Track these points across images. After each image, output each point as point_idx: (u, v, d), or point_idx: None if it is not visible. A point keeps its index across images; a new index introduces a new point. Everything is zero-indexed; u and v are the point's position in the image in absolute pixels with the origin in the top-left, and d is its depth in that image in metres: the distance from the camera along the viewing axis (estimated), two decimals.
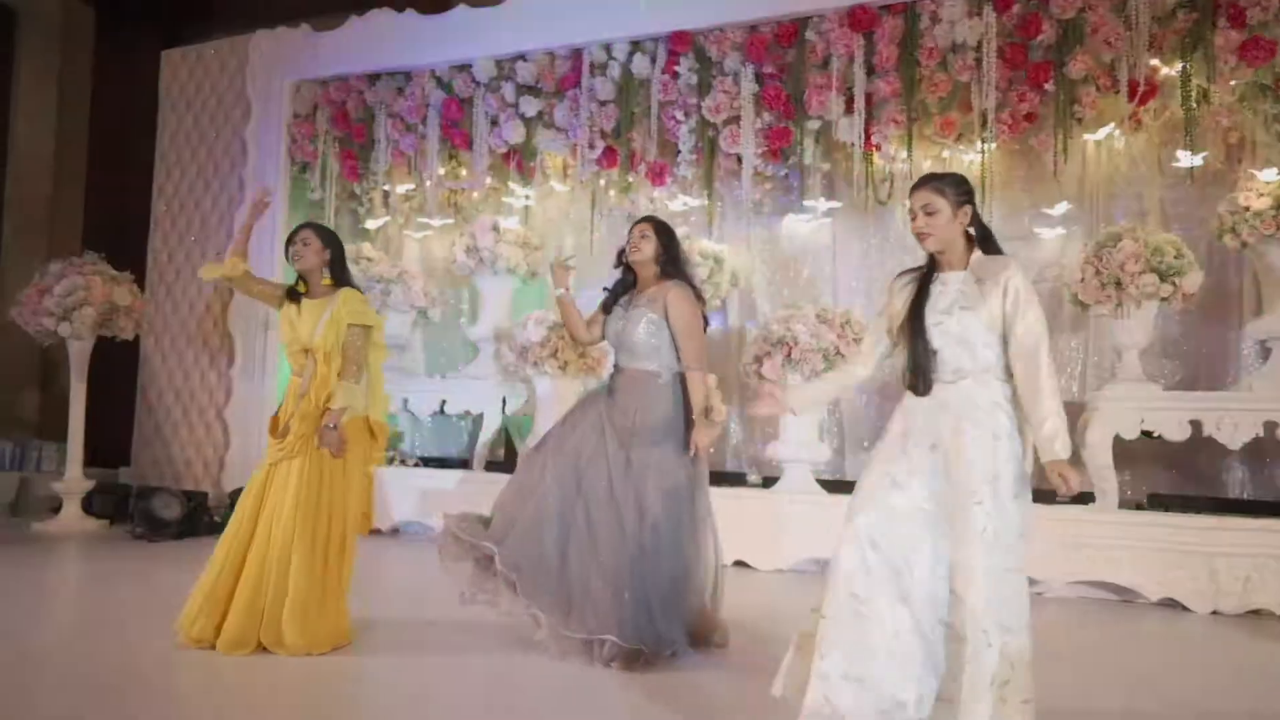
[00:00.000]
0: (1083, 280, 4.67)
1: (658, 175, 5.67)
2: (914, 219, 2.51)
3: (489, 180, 6.21)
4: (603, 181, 6.05)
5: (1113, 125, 4.89)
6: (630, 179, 5.83)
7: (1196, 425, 4.46)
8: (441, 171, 6.30)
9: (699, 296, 3.41)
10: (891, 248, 5.82)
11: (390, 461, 6.14)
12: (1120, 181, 5.26)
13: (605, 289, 3.51)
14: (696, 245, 5.71)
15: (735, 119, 5.38)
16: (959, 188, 2.50)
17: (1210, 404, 4.49)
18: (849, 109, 5.13)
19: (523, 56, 5.89)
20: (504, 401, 6.10)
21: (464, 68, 6.06)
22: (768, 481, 5.64)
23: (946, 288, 2.46)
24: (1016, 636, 2.26)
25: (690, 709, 2.78)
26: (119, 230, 8.60)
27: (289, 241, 3.36)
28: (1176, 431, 4.50)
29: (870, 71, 5.08)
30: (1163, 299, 4.57)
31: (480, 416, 6.16)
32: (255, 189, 3.23)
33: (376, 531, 5.58)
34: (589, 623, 3.05)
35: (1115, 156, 5.19)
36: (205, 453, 6.65)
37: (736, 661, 3.26)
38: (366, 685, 3.02)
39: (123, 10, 9.26)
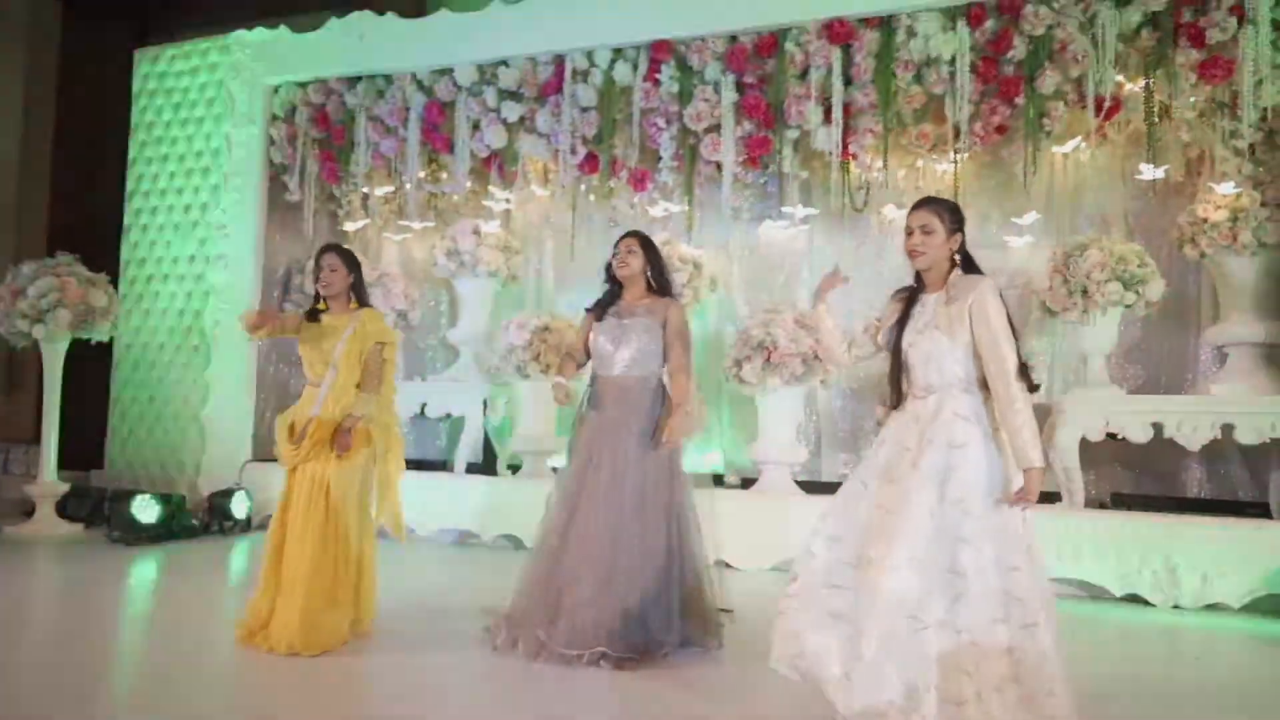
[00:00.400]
0: (1051, 288, 4.85)
1: (639, 181, 5.76)
2: (909, 235, 2.63)
3: (469, 184, 6.25)
4: (583, 187, 6.12)
5: (1079, 138, 5.08)
6: (611, 184, 5.91)
7: (1158, 427, 4.65)
8: (422, 174, 6.32)
9: None
10: (867, 254, 5.97)
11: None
12: (1086, 192, 5.45)
13: (587, 309, 3.66)
14: (676, 250, 5.80)
15: (716, 127, 5.48)
16: (955, 214, 2.64)
17: (1171, 407, 4.68)
18: (827, 119, 5.25)
19: (505, 62, 5.94)
20: (485, 404, 6.14)
21: (445, 72, 6.09)
22: (746, 483, 5.76)
23: (925, 309, 2.62)
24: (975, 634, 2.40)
25: (680, 703, 2.90)
26: (87, 231, 8.48)
27: (316, 266, 3.56)
28: (1140, 433, 4.69)
29: (848, 83, 5.21)
30: (1127, 306, 4.77)
31: (461, 419, 6.19)
32: None
33: None
34: (581, 637, 3.15)
35: (1081, 168, 5.38)
36: (181, 455, 6.60)
37: (722, 657, 3.38)
38: (364, 680, 3.09)
39: (90, 7, 9.13)
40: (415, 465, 6.44)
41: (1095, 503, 5.03)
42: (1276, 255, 4.69)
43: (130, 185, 7.02)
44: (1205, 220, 4.74)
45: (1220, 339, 4.91)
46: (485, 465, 6.28)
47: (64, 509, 6.10)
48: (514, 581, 3.48)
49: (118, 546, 5.46)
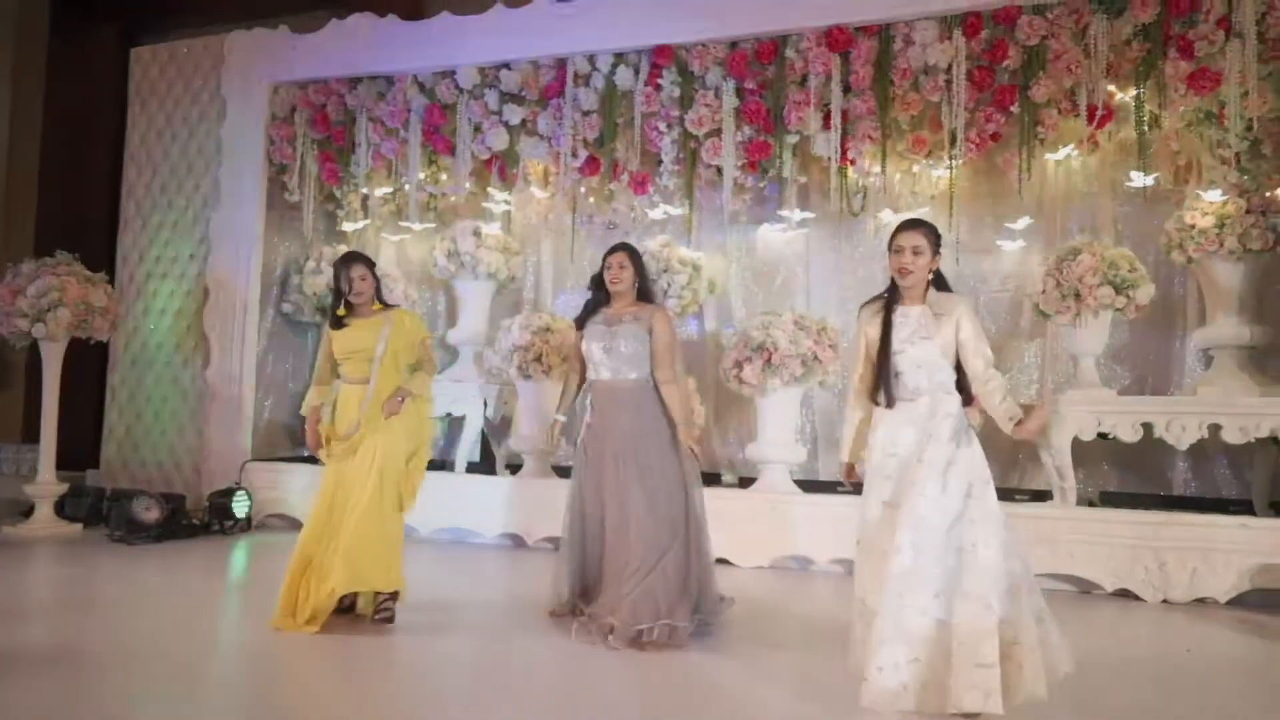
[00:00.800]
0: (1044, 291, 4.97)
1: (640, 185, 5.83)
2: (900, 254, 2.91)
3: (469, 185, 6.30)
4: (583, 189, 6.19)
5: (1072, 146, 5.20)
6: (611, 187, 5.98)
7: (1148, 427, 4.79)
8: (421, 175, 6.36)
9: None
10: (862, 257, 6.07)
11: None
12: (1077, 198, 5.59)
13: (575, 320, 3.93)
14: (675, 253, 5.88)
15: (717, 131, 5.56)
16: (938, 238, 2.98)
17: (1160, 408, 4.82)
18: (826, 125, 5.35)
19: (506, 65, 5.99)
20: (485, 404, 6.20)
21: (447, 74, 6.13)
22: (743, 482, 5.85)
23: (908, 319, 2.94)
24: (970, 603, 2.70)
25: (687, 686, 3.02)
26: (76, 228, 8.44)
27: (345, 275, 3.81)
28: (1130, 433, 4.82)
29: (847, 89, 5.31)
30: (1117, 309, 4.89)
31: (461, 419, 6.24)
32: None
33: None
34: (632, 618, 3.43)
35: (1073, 175, 5.51)
36: (179, 455, 6.60)
37: (728, 646, 3.53)
38: (385, 665, 3.16)
39: (80, 4, 9.07)
40: None
41: (1084, 501, 5.16)
42: (1261, 261, 4.83)
43: (127, 184, 6.99)
44: (1193, 226, 4.87)
45: (1206, 342, 5.05)
46: (483, 465, 6.34)
47: (61, 509, 6.09)
48: (555, 575, 3.84)
49: (119, 546, 5.47)
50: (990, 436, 5.07)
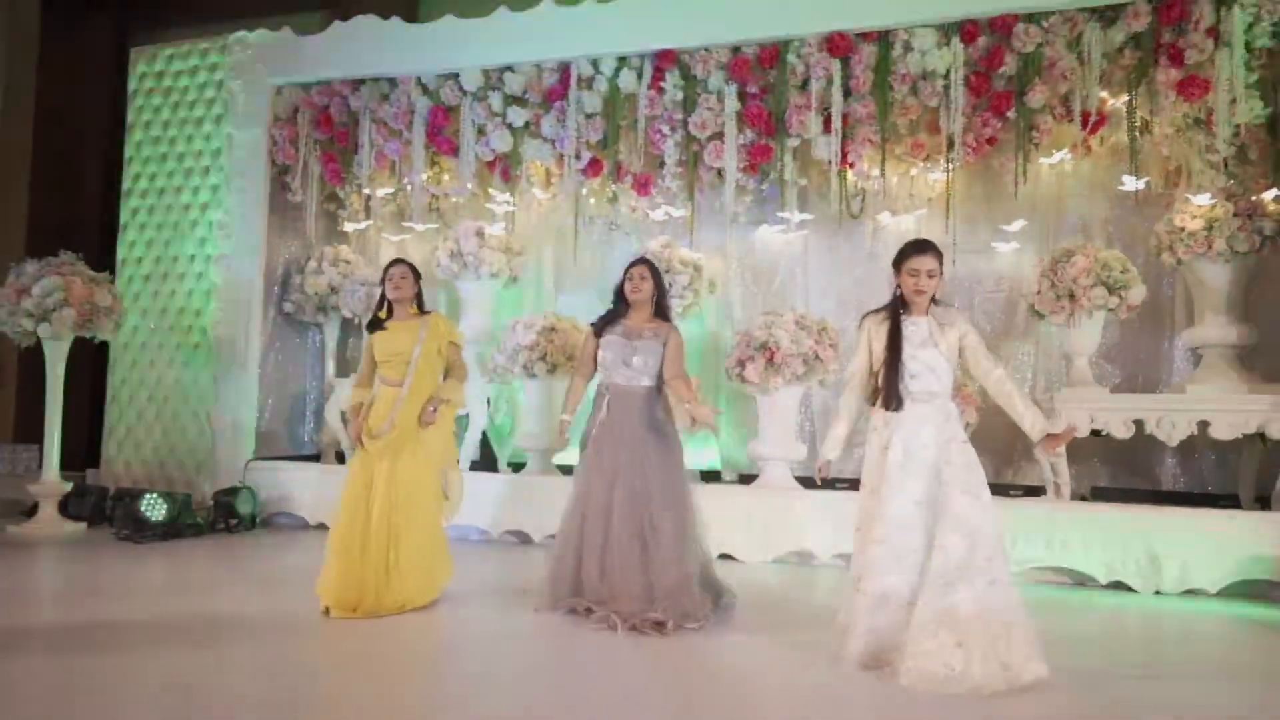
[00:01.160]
0: (1039, 292, 5.11)
1: (643, 186, 5.92)
2: (917, 277, 3.20)
3: (471, 186, 6.36)
4: (584, 190, 6.27)
5: (1066, 150, 5.34)
6: (614, 189, 6.06)
7: (1140, 424, 4.94)
8: (424, 177, 6.42)
9: None
10: (860, 258, 6.18)
11: None
12: (1070, 201, 5.73)
13: (592, 325, 4.12)
14: (677, 254, 5.98)
15: (719, 135, 5.66)
16: (942, 259, 3.28)
17: (1151, 405, 4.97)
18: (827, 128, 5.47)
19: (510, 68, 6.06)
20: (489, 402, 6.26)
21: (451, 76, 6.19)
22: (743, 479, 5.95)
23: (918, 329, 3.25)
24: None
25: (702, 669, 3.15)
26: (70, 227, 8.43)
27: (385, 277, 4.05)
28: (1122, 430, 4.97)
29: (847, 94, 5.43)
30: (1109, 310, 5.04)
31: (464, 418, 6.30)
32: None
33: None
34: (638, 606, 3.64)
35: (1066, 179, 5.65)
36: (181, 455, 6.62)
37: (740, 634, 3.67)
38: (421, 653, 3.26)
39: (72, 2, 9.04)
40: None
41: (1077, 496, 5.30)
42: (1248, 263, 4.98)
43: (127, 184, 7.00)
44: (1182, 229, 5.02)
45: (1195, 341, 5.21)
46: (483, 463, 6.40)
47: (64, 508, 6.10)
48: (552, 573, 3.92)
49: (126, 544, 5.49)
50: (987, 433, 5.27)
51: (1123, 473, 5.66)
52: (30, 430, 7.94)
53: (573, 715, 2.80)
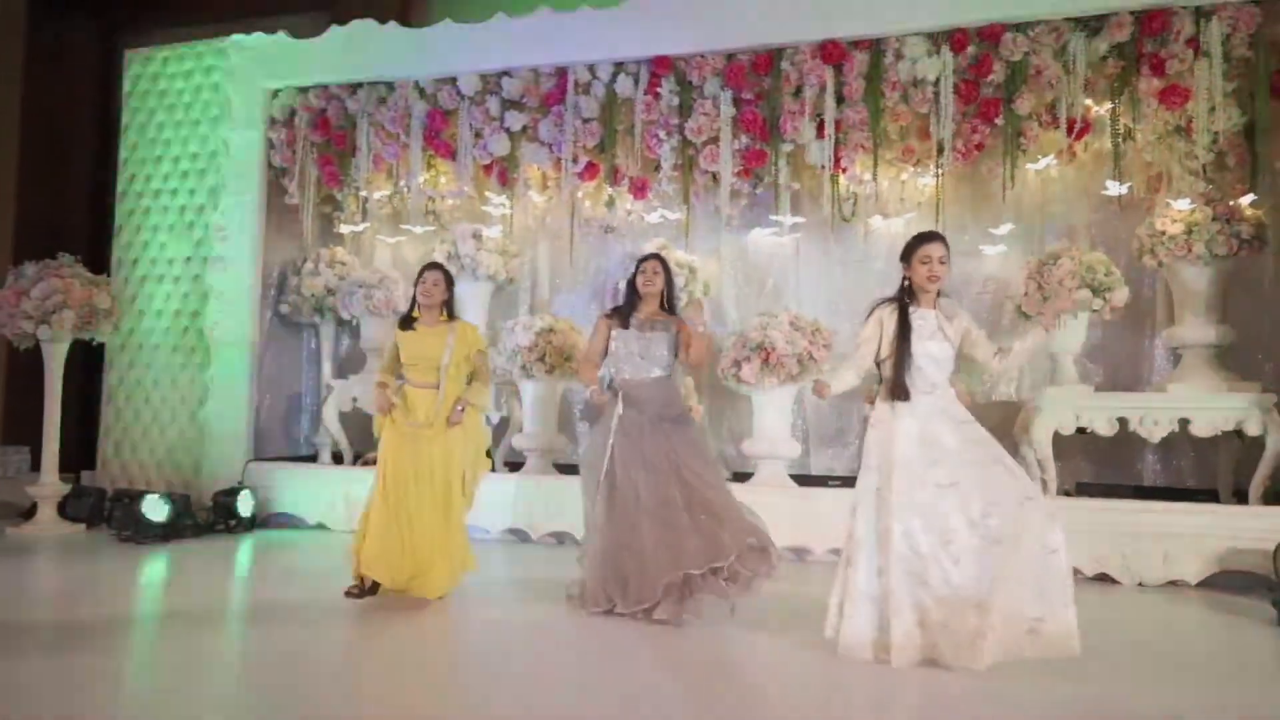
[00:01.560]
0: (1026, 294, 5.25)
1: (640, 190, 6.02)
2: (930, 264, 3.30)
3: (468, 189, 6.43)
4: (580, 193, 6.35)
5: (1051, 156, 5.50)
6: (611, 192, 6.16)
7: (1123, 422, 5.10)
8: (421, 179, 6.48)
9: None
10: (851, 261, 6.32)
11: (371, 462, 6.30)
12: (1055, 205, 5.89)
13: (605, 315, 4.25)
14: (673, 256, 6.09)
15: (714, 140, 5.77)
16: (949, 248, 3.40)
17: (1135, 403, 5.14)
18: (820, 134, 5.59)
19: (508, 73, 6.14)
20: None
21: (449, 81, 6.26)
22: (738, 477, 6.06)
23: (925, 321, 3.37)
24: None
25: (709, 664, 3.27)
26: (57, 229, 8.40)
27: (419, 279, 4.20)
28: (1106, 428, 5.13)
29: (840, 101, 5.56)
30: (1094, 311, 5.20)
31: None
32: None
33: None
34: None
35: (1052, 183, 5.81)
36: (178, 455, 6.64)
37: (736, 630, 3.78)
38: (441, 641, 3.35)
39: (58, 2, 9.00)
40: None
41: (1061, 491, 5.46)
42: (1226, 265, 5.16)
43: (122, 186, 7.01)
44: (1163, 233, 5.19)
45: (1175, 341, 5.38)
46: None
47: (62, 509, 6.12)
48: (600, 577, 3.95)
49: (128, 545, 5.53)
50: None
51: (1106, 469, 5.83)
52: (19, 432, 7.93)
53: (587, 703, 2.90)
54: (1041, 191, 5.86)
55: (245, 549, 5.57)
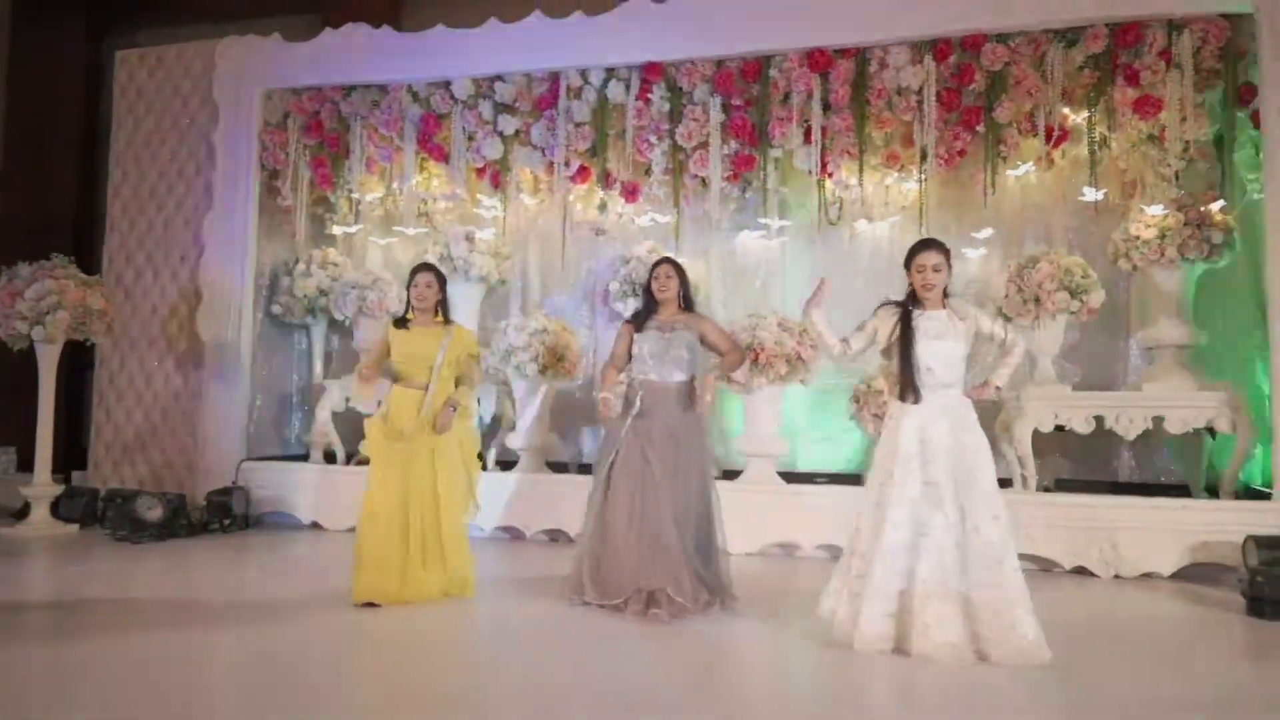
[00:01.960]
0: (1007, 296, 5.42)
1: (631, 193, 6.14)
2: (923, 272, 3.42)
3: (461, 192, 6.52)
4: (572, 196, 6.46)
5: (1030, 163, 5.67)
6: (603, 196, 6.26)
7: (1100, 420, 5.28)
8: (414, 182, 6.55)
9: None
10: (837, 263, 6.44)
11: (364, 462, 6.36)
12: (1033, 210, 6.07)
13: (626, 320, 4.38)
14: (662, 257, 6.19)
15: (704, 145, 5.90)
16: (949, 254, 3.49)
17: (1111, 402, 5.32)
18: (807, 140, 5.74)
19: (501, 77, 6.23)
20: (478, 402, 6.41)
21: (442, 85, 6.34)
22: (727, 474, 6.18)
23: (933, 322, 3.45)
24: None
25: (707, 656, 3.39)
26: (41, 229, 8.37)
27: (412, 281, 4.17)
28: (1084, 426, 5.31)
29: (826, 107, 5.70)
30: (1071, 313, 5.38)
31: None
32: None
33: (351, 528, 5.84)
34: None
35: (1031, 189, 5.98)
36: (170, 455, 6.67)
37: (732, 623, 3.92)
38: (430, 637, 3.45)
39: (44, 1, 8.97)
40: None
41: (1040, 487, 5.63)
42: (1197, 269, 5.36)
43: (113, 185, 7.02)
44: (1137, 237, 5.37)
45: (1149, 341, 5.56)
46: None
47: (54, 510, 6.13)
48: (583, 554, 4.10)
49: (124, 544, 5.57)
50: None
51: (1084, 465, 6.00)
52: (3, 432, 7.89)
53: (587, 696, 2.99)
54: (1021, 197, 6.03)
55: (242, 547, 5.61)
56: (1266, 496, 4.88)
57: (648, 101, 5.98)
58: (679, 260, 6.22)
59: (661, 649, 3.48)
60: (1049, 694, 3.06)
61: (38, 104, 8.99)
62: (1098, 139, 5.40)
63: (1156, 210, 5.37)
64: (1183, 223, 5.28)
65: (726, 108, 5.87)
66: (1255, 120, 5.06)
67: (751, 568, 5.23)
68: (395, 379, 4.17)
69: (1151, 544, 4.93)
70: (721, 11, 5.81)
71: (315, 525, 6.25)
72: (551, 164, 6.18)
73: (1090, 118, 5.40)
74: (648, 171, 6.08)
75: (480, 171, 6.45)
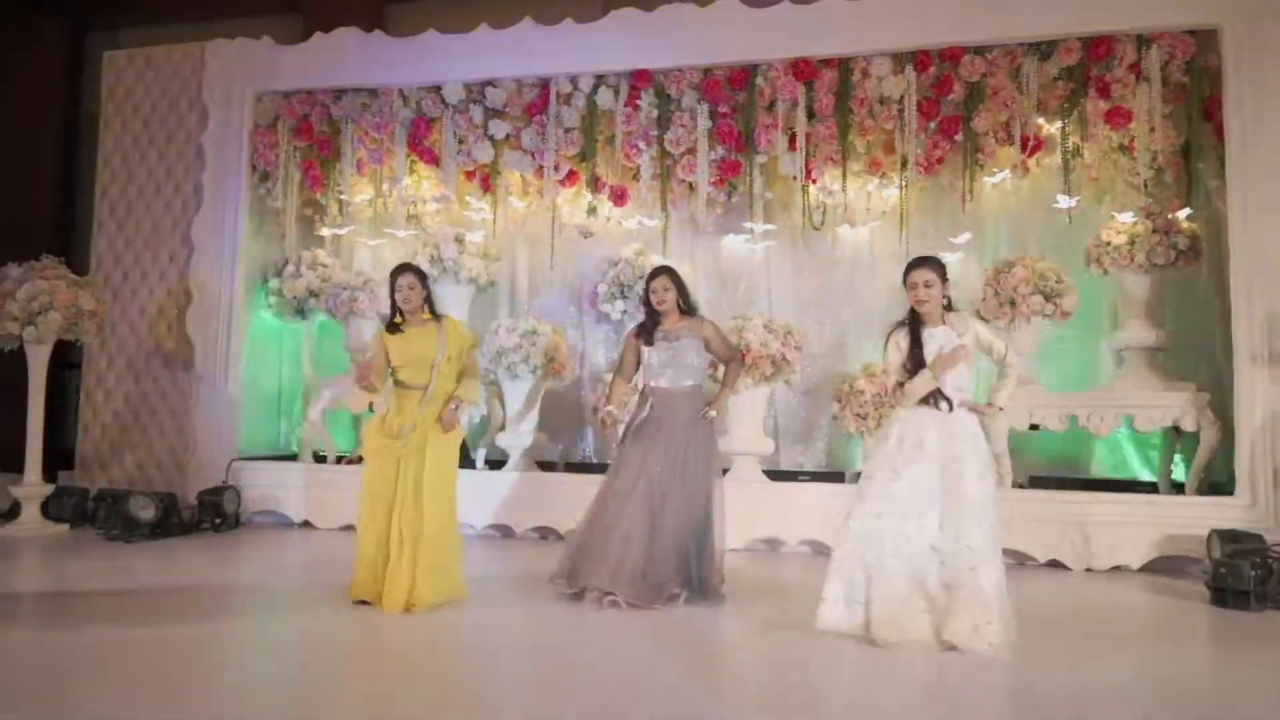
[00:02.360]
0: (984, 299, 5.62)
1: (619, 197, 6.26)
2: (915, 289, 3.54)
3: (451, 195, 6.60)
4: (560, 199, 6.57)
5: (1007, 170, 5.86)
6: (592, 200, 6.38)
7: (1073, 418, 5.48)
8: (404, 184, 6.62)
9: None
10: (819, 266, 6.62)
11: (355, 461, 6.44)
12: (1009, 216, 6.26)
13: (633, 333, 4.48)
14: (649, 260, 6.33)
15: (691, 150, 6.04)
16: (943, 269, 3.63)
17: (1084, 401, 5.53)
18: (792, 146, 5.89)
19: (491, 83, 6.33)
20: None
21: (433, 89, 6.42)
22: None
23: (934, 337, 3.58)
24: (996, 568, 3.37)
25: (690, 641, 3.50)
26: (22, 229, 8.33)
27: (394, 286, 4.10)
28: (1058, 424, 5.51)
29: (810, 115, 5.86)
30: (1046, 315, 5.57)
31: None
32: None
33: (350, 528, 5.91)
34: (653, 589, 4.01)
35: (1007, 196, 6.17)
36: (160, 455, 6.70)
37: (724, 614, 4.09)
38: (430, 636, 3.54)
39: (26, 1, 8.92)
40: None
41: (1016, 484, 5.83)
42: (1165, 274, 5.57)
43: (101, 186, 7.02)
44: (1108, 243, 5.59)
45: (1120, 344, 5.78)
46: (462, 461, 6.63)
47: (44, 510, 6.14)
48: (574, 547, 4.24)
49: (117, 543, 5.60)
50: None
51: (1058, 463, 6.21)
52: None
53: (583, 685, 3.09)
54: (998, 203, 6.22)
55: (235, 546, 5.67)
56: (1230, 492, 5.09)
57: (636, 108, 6.11)
58: (670, 265, 6.40)
59: (652, 643, 3.57)
60: (1019, 680, 3.20)
61: (19, 104, 8.94)
62: (1071, 148, 5.60)
63: (1126, 217, 5.59)
64: (1151, 229, 5.50)
65: (713, 114, 6.00)
66: (1220, 133, 5.28)
67: (736, 562, 5.36)
68: (395, 383, 4.13)
69: (1121, 538, 5.13)
70: (709, 21, 5.96)
71: (306, 524, 6.31)
72: (541, 168, 6.29)
73: (1064, 128, 5.60)
74: (636, 176, 6.20)
75: (470, 174, 6.54)
